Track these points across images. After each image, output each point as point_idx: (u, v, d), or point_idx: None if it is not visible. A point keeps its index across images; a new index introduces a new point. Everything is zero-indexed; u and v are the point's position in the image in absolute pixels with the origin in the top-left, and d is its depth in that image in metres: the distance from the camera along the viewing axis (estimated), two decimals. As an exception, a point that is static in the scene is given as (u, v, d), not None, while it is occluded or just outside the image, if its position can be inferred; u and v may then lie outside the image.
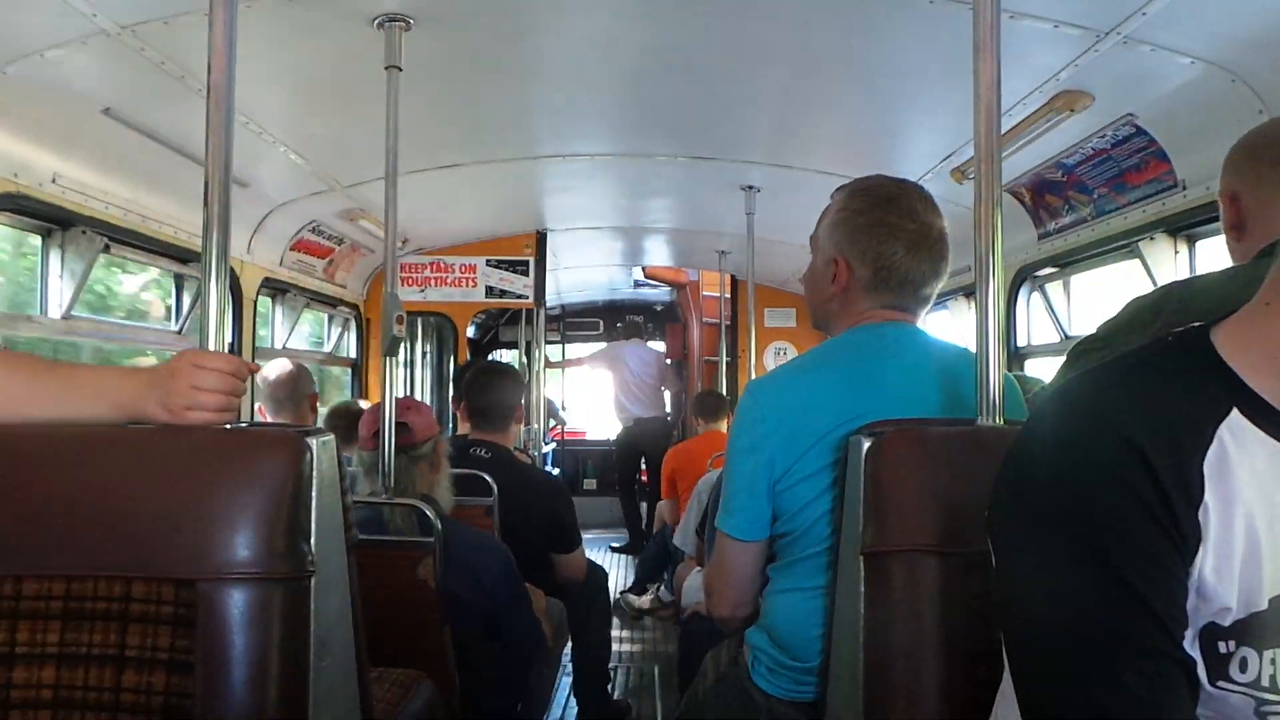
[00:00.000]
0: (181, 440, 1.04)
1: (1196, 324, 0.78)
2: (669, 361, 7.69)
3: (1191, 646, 0.71)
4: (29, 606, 0.99)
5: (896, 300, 1.47)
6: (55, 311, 2.52)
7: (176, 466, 1.03)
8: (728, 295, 6.01)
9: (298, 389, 2.75)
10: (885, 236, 1.44)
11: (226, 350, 1.23)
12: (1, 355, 1.14)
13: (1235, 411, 0.72)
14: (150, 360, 3.11)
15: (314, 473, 1.05)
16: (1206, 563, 0.70)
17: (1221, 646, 0.71)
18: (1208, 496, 0.70)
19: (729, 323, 6.00)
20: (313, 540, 1.04)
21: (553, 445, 8.01)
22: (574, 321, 8.83)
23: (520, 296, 4.99)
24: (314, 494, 1.04)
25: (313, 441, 1.06)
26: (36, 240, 2.50)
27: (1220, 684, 0.71)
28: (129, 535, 0.99)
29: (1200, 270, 2.34)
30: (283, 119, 2.72)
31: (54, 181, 2.32)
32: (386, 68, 2.17)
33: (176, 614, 0.98)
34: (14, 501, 1.01)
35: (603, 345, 7.91)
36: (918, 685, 1.02)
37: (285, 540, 1.01)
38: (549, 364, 7.27)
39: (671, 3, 2.13)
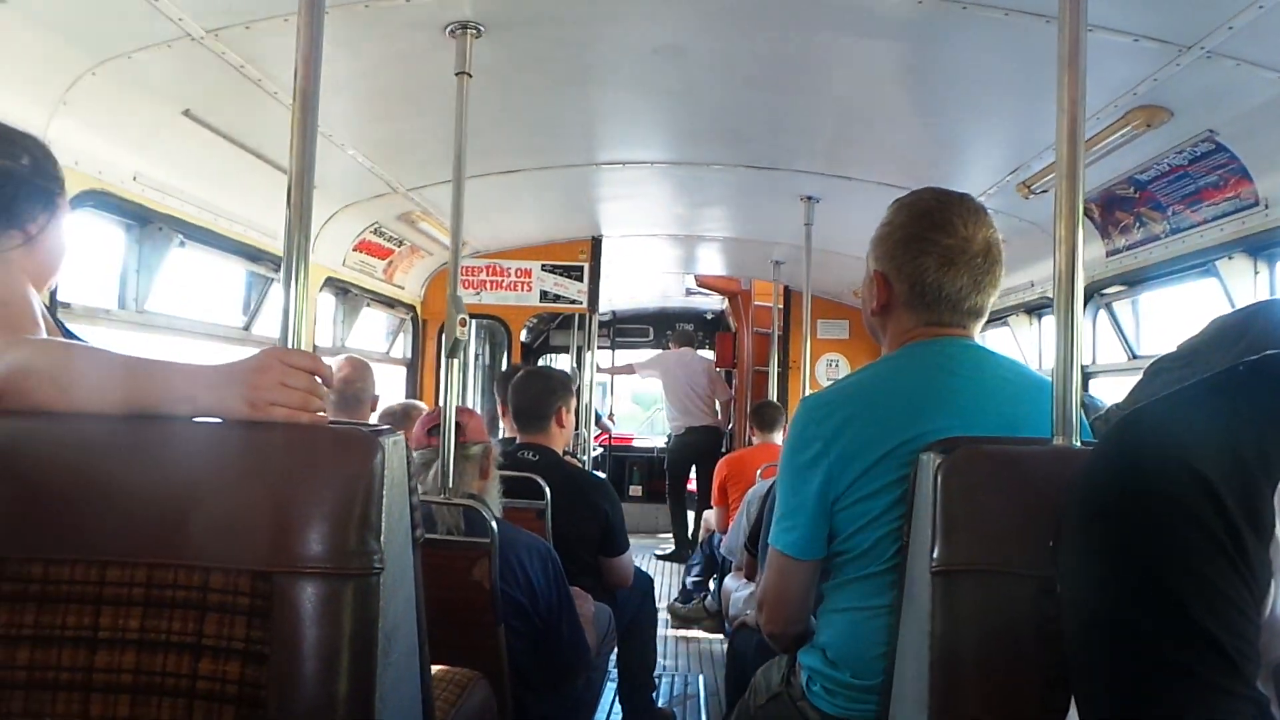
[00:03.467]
0: (261, 436, 1.06)
1: (1270, 352, 0.76)
2: (719, 370, 7.67)
3: (1265, 685, 0.68)
4: (112, 593, 1.02)
5: (935, 316, 1.45)
6: (131, 305, 2.61)
7: (256, 461, 1.05)
8: (780, 306, 5.98)
9: (365, 389, 2.80)
10: (918, 252, 1.43)
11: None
12: (76, 348, 1.17)
13: None
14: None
15: (385, 472, 1.07)
16: (1279, 599, 0.67)
17: None
18: (1279, 530, 0.67)
19: (781, 333, 5.96)
20: (382, 538, 1.06)
21: (599, 451, 8.04)
22: (624, 328, 8.86)
23: (574, 302, 5.02)
24: (385, 492, 1.06)
25: (385, 441, 1.08)
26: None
27: None
28: (209, 527, 1.02)
29: (1281, 292, 2.27)
30: (351, 122, 2.79)
31: (134, 180, 2.41)
32: (457, 74, 2.20)
33: (252, 605, 1.00)
34: (100, 491, 1.04)
35: (654, 353, 7.92)
36: (985, 707, 1.00)
37: (357, 537, 1.03)
38: (598, 370, 7.31)
39: (735, 12, 2.13)
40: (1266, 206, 2.15)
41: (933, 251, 1.42)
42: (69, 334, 1.49)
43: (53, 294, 2.10)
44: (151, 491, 1.04)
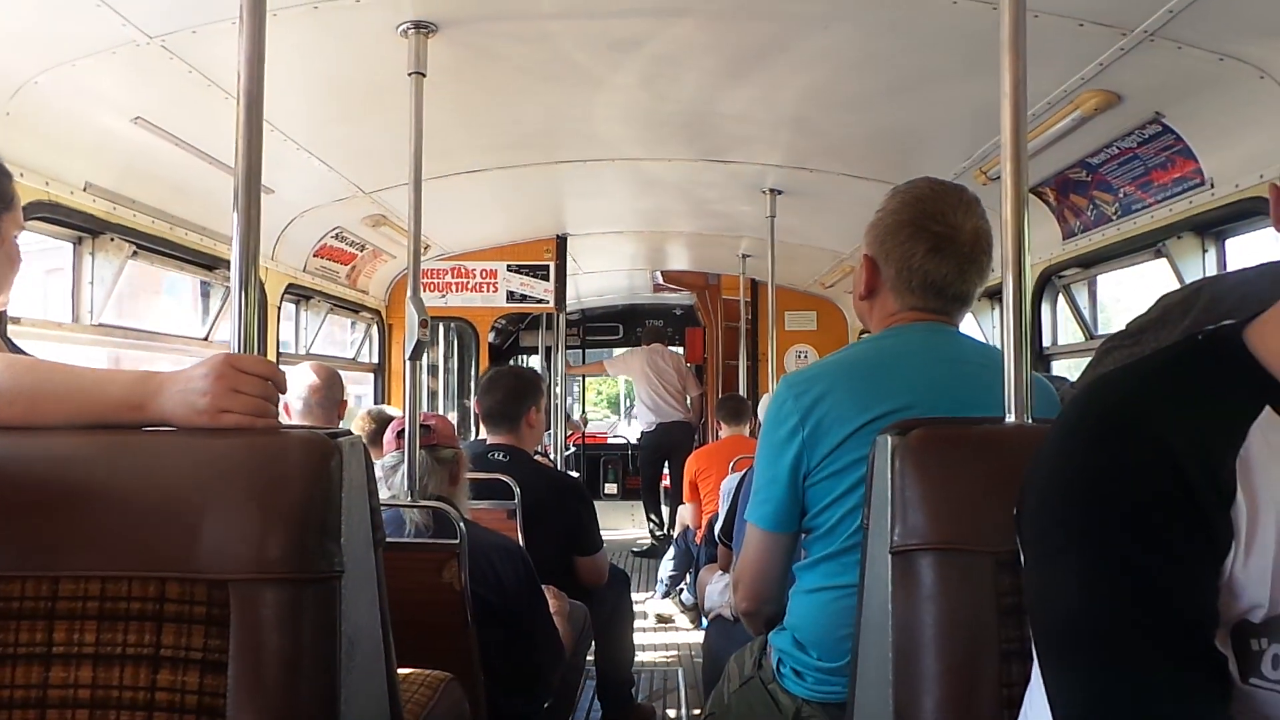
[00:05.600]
0: (214, 443, 1.05)
1: (1228, 322, 0.77)
2: (689, 365, 7.69)
3: (1223, 644, 0.70)
4: (65, 607, 1.00)
5: (921, 302, 1.48)
6: (85, 318, 2.56)
7: (209, 468, 1.03)
8: (748, 299, 6.00)
9: (330, 395, 2.78)
10: (907, 239, 1.46)
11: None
12: (19, 360, 1.15)
13: (1268, 410, 0.71)
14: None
15: (343, 474, 1.05)
16: (1238, 561, 0.69)
17: (1253, 644, 0.70)
18: (1239, 495, 0.69)
19: (749, 326, 5.98)
20: (342, 541, 1.05)
21: (572, 450, 8.03)
22: (594, 326, 8.85)
23: (541, 301, 5.00)
24: (343, 495, 1.05)
25: (342, 443, 1.07)
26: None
27: (1252, 680, 0.70)
28: (162, 536, 1.00)
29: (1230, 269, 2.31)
30: (308, 126, 2.75)
31: (84, 189, 2.36)
32: (410, 74, 2.19)
33: (210, 614, 0.99)
34: (48, 503, 1.02)
35: (623, 350, 7.92)
36: (948, 684, 1.01)
37: (315, 541, 1.02)
38: (569, 368, 7.29)
39: (692, 7, 2.13)
40: (1212, 185, 2.19)
41: (922, 238, 1.44)
42: (17, 350, 1.46)
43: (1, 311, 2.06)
44: (103, 502, 1.02)
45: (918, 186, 1.50)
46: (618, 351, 8.13)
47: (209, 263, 3.04)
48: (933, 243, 1.44)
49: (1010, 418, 1.16)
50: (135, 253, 2.65)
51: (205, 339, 3.25)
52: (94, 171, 2.38)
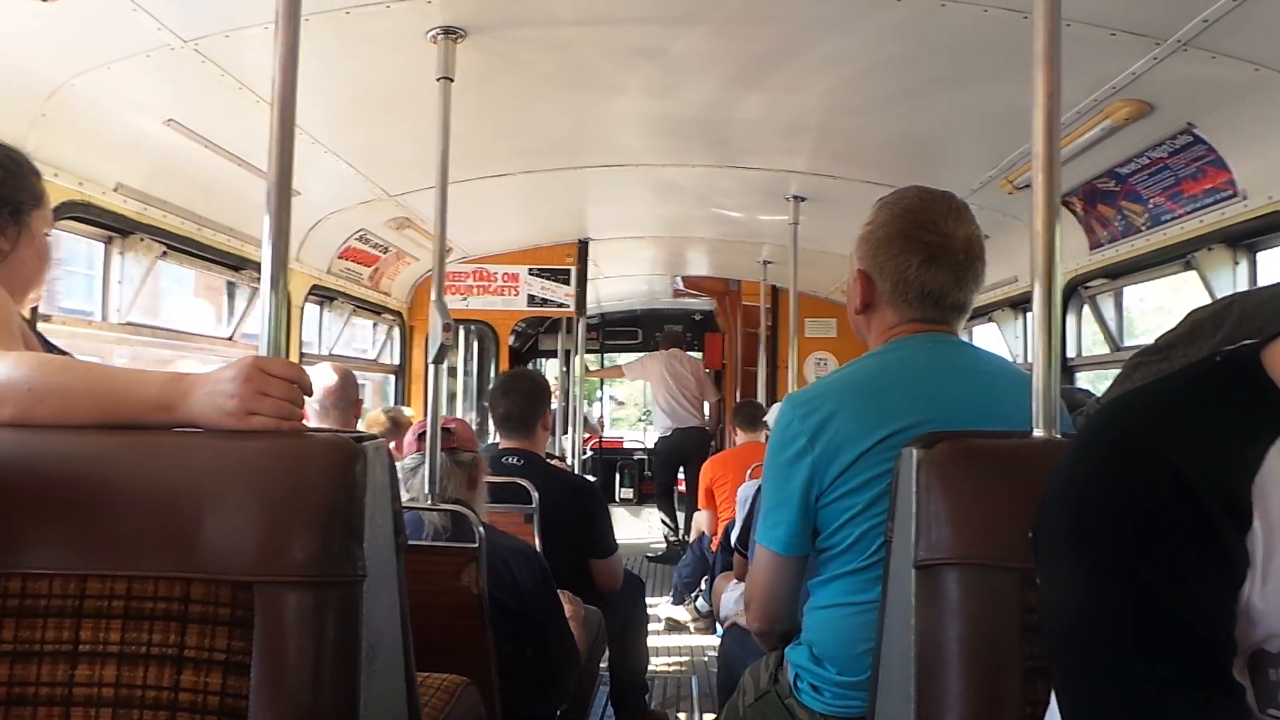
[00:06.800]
0: (241, 445, 1.05)
1: (1247, 342, 0.76)
2: (708, 371, 7.68)
3: (1240, 674, 0.68)
4: (92, 605, 1.01)
5: (918, 313, 1.46)
6: (114, 316, 2.60)
7: (235, 470, 1.04)
8: (768, 305, 5.99)
9: (346, 395, 2.80)
10: (900, 250, 1.44)
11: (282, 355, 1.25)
12: (53, 359, 1.16)
13: None
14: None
15: (368, 478, 1.06)
16: (1254, 589, 0.67)
17: (1271, 674, 0.68)
18: (1256, 521, 0.67)
19: (769, 333, 5.97)
20: (365, 545, 1.05)
21: (588, 454, 8.04)
22: (613, 330, 8.86)
23: (561, 305, 5.02)
24: (367, 499, 1.05)
25: (367, 447, 1.07)
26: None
27: (1270, 711, 0.69)
28: (189, 537, 1.01)
29: (1263, 283, 2.28)
30: (335, 129, 2.78)
31: (116, 190, 2.39)
32: (439, 79, 2.20)
33: (234, 615, 0.99)
34: (78, 502, 1.03)
35: (641, 355, 7.92)
36: (970, 700, 1.00)
37: (340, 544, 1.02)
38: (588, 373, 7.30)
39: (715, 13, 2.13)
40: (1245, 197, 2.16)
41: (915, 249, 1.43)
42: (50, 346, 1.48)
43: (33, 306, 2.09)
44: (131, 502, 1.03)
45: (906, 196, 1.48)
46: (636, 355, 8.12)
47: (236, 263, 3.07)
48: (927, 253, 1.42)
49: (1038, 432, 1.15)
50: (165, 253, 2.68)
51: (230, 339, 3.28)
52: (125, 172, 2.41)
